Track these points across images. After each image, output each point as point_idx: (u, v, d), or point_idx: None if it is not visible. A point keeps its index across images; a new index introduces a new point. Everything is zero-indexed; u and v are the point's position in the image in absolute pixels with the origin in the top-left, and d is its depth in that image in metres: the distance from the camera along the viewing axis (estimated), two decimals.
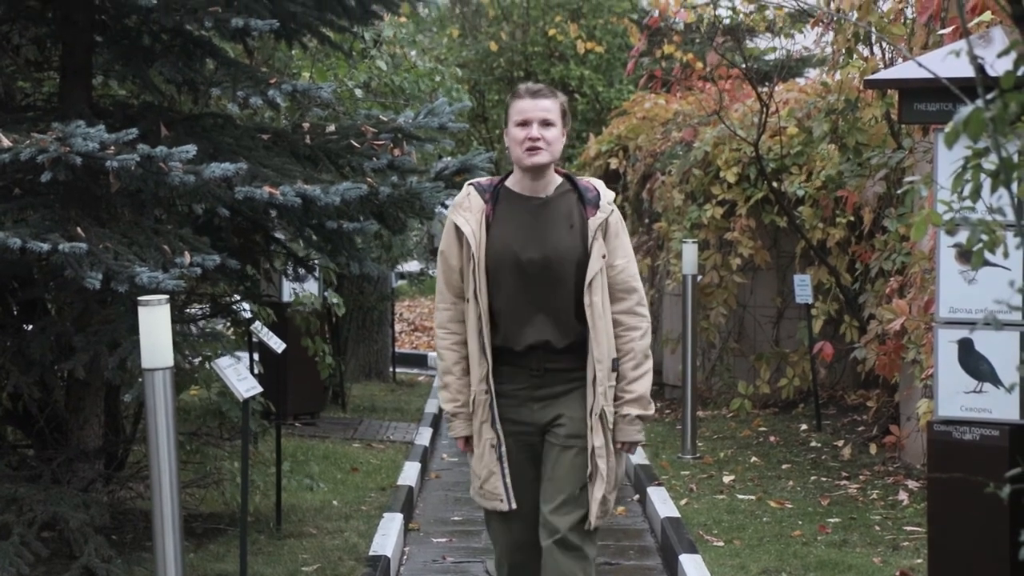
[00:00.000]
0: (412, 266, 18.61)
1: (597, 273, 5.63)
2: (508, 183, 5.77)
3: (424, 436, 12.97)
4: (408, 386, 17.42)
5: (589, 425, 5.65)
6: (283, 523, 9.21)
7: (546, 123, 5.63)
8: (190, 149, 7.12)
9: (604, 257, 5.65)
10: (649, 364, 5.76)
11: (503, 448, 5.70)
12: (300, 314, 12.68)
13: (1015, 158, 3.63)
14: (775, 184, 13.55)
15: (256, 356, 11.64)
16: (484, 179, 5.86)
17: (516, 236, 5.67)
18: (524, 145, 5.61)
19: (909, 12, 10.01)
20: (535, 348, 5.67)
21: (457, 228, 5.71)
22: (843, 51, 11.10)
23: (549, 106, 5.66)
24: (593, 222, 5.66)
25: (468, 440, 5.83)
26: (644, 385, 5.72)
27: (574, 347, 5.68)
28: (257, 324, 9.85)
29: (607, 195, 5.76)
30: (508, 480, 5.71)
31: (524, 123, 5.63)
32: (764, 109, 13.21)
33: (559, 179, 5.76)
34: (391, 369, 17.90)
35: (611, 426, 5.68)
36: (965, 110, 3.42)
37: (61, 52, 8.41)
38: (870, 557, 8.43)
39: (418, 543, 9.36)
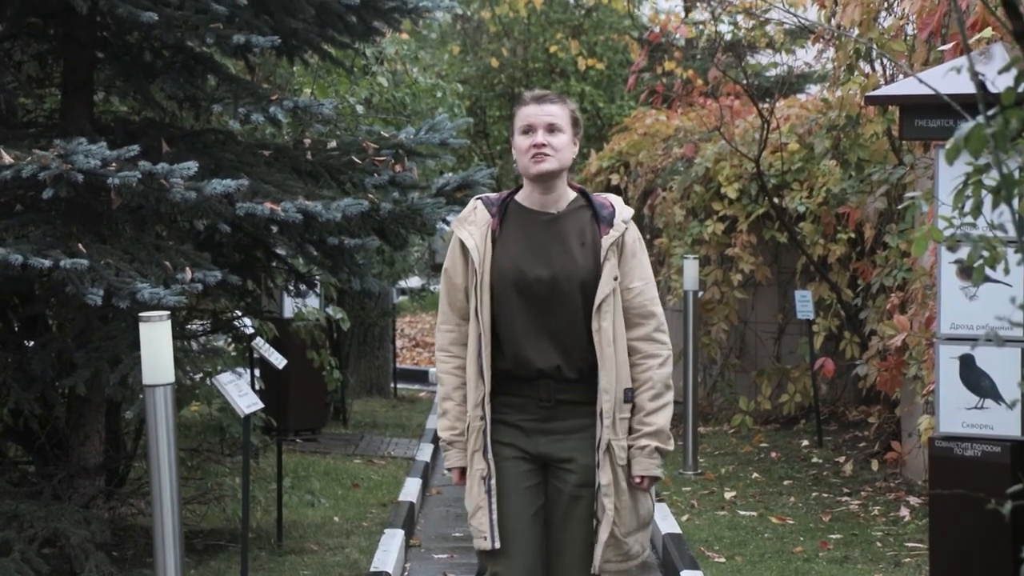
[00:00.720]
0: (413, 282, 18.61)
1: (608, 296, 5.20)
2: (518, 197, 5.39)
3: (425, 452, 12.97)
4: (409, 402, 17.41)
5: (596, 460, 5.22)
6: (284, 539, 9.20)
7: (553, 128, 5.24)
8: (191, 166, 7.13)
9: (616, 279, 5.22)
10: (670, 396, 5.31)
11: (493, 481, 5.26)
12: (304, 328, 12.69)
13: (1016, 174, 3.63)
14: (776, 200, 13.55)
15: (257, 372, 11.65)
16: (494, 194, 5.47)
17: (523, 253, 5.28)
18: (529, 153, 5.23)
19: (910, 29, 10.02)
20: (544, 376, 5.23)
21: (461, 243, 5.33)
22: (844, 67, 11.10)
23: (556, 111, 5.27)
24: (606, 240, 5.24)
25: (464, 472, 5.39)
26: (663, 418, 5.28)
27: (587, 376, 5.24)
28: (258, 340, 9.86)
29: (624, 212, 5.34)
30: (494, 516, 5.26)
31: (529, 129, 5.26)
32: (765, 125, 13.22)
33: (573, 194, 5.37)
34: (392, 385, 17.89)
35: (622, 461, 5.23)
36: (966, 126, 3.42)
37: (63, 68, 8.42)
38: (872, 573, 8.42)
39: (419, 559, 9.35)
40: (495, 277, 5.27)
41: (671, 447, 5.33)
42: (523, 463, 5.31)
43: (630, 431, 5.26)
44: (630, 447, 5.25)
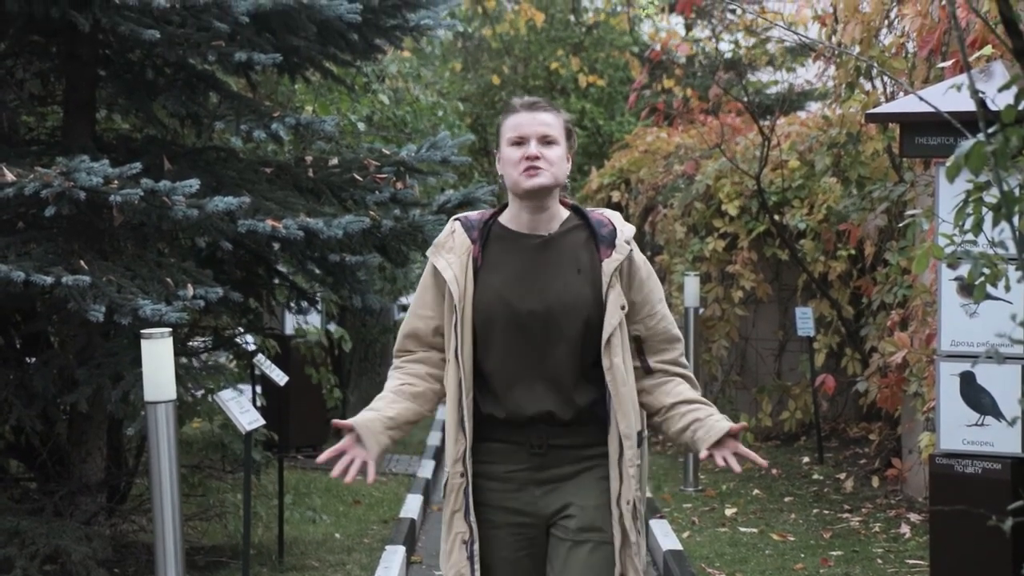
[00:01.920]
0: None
1: (616, 328, 4.53)
2: (502, 218, 4.67)
3: (426, 468, 12.97)
4: None
5: (615, 515, 4.52)
6: (285, 556, 9.20)
7: (547, 140, 4.55)
8: (193, 183, 7.15)
9: (623, 308, 4.55)
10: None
11: (476, 546, 4.54)
12: (305, 344, 12.70)
13: (1016, 192, 3.65)
14: (777, 217, 13.57)
15: (259, 389, 11.65)
16: (474, 213, 4.75)
17: (511, 283, 4.56)
18: (520, 166, 4.51)
19: (910, 46, 10.04)
20: (535, 420, 4.54)
21: (436, 272, 4.63)
22: (845, 85, 11.12)
23: (550, 120, 4.58)
24: (608, 265, 4.56)
25: (352, 431, 4.63)
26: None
27: (583, 419, 4.56)
28: (260, 356, 9.87)
29: (625, 231, 4.65)
30: None
31: (520, 141, 4.55)
32: (766, 142, 13.23)
33: (565, 212, 4.66)
34: None
35: (640, 519, 4.58)
36: (966, 144, 3.44)
37: (65, 86, 8.44)
38: None
39: None
40: (479, 314, 4.56)
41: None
42: (513, 530, 4.61)
43: (683, 432, 4.62)
44: (693, 422, 4.59)
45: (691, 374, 4.76)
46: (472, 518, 4.55)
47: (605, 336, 4.52)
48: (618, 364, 4.53)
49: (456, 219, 4.68)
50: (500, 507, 4.58)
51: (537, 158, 4.51)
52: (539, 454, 4.57)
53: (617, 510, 4.51)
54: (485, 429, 4.59)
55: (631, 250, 4.61)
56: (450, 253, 4.62)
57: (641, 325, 4.64)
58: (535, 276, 4.57)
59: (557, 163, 4.55)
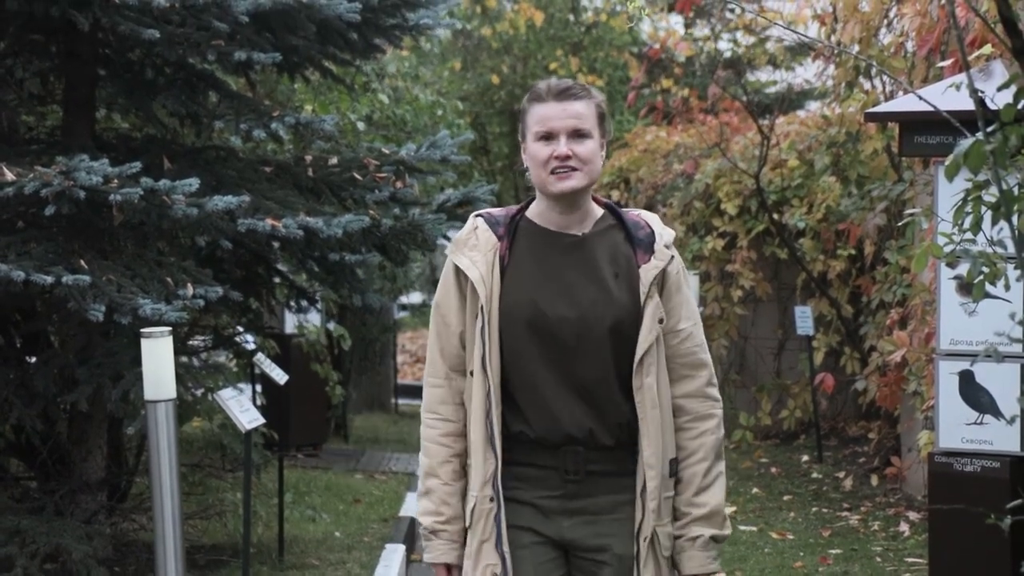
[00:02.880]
0: (415, 297, 18.65)
1: (652, 344, 4.07)
2: (530, 214, 4.21)
3: None
4: (410, 417, 17.41)
5: (634, 551, 4.09)
6: (285, 554, 9.20)
7: (579, 134, 4.06)
8: (193, 182, 7.15)
9: (661, 322, 4.10)
10: (722, 466, 4.19)
11: None
12: (306, 341, 12.72)
13: (1015, 191, 3.66)
14: (776, 216, 13.58)
15: (259, 388, 11.66)
16: (498, 209, 4.30)
17: (541, 286, 4.10)
18: (549, 166, 4.05)
19: (910, 45, 10.04)
20: (574, 442, 4.06)
21: (459, 272, 4.16)
22: (844, 84, 11.14)
23: (582, 111, 4.08)
24: (647, 272, 4.10)
25: (451, 570, 4.18)
26: (718, 495, 4.16)
27: (624, 442, 4.10)
28: (259, 355, 9.88)
29: (665, 235, 4.19)
30: None
31: (548, 136, 4.07)
32: (765, 141, 13.24)
33: (599, 211, 4.22)
34: (394, 400, 17.91)
35: (667, 552, 4.12)
36: (965, 143, 3.44)
37: (64, 86, 8.44)
38: None
39: (420, 575, 9.35)
40: (506, 317, 4.10)
41: (728, 532, 4.20)
42: (544, 549, 4.14)
43: (675, 515, 4.15)
44: (678, 537, 4.13)
45: (714, 409, 4.20)
46: (505, 548, 4.07)
47: (639, 354, 4.07)
48: (650, 384, 4.07)
49: (478, 215, 4.23)
50: (525, 528, 4.12)
51: (568, 157, 4.05)
52: (574, 481, 4.09)
53: (635, 545, 4.09)
54: (511, 452, 4.11)
55: (672, 257, 4.15)
56: (474, 251, 4.14)
57: (663, 345, 4.15)
58: (567, 279, 4.12)
59: (591, 160, 4.08)
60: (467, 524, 4.13)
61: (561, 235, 4.15)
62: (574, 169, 4.05)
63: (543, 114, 4.08)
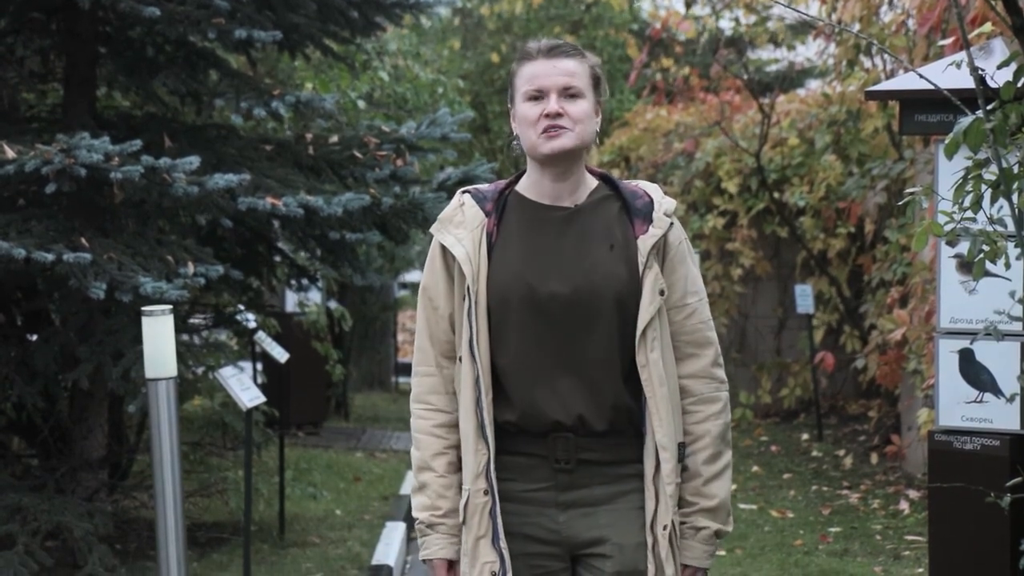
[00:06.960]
0: (414, 276, 18.64)
1: (654, 317, 3.76)
2: (520, 187, 3.90)
3: None
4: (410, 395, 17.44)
5: (649, 544, 3.77)
6: (286, 532, 9.23)
7: (570, 92, 3.79)
8: (193, 160, 7.16)
9: (662, 293, 3.79)
10: (729, 455, 3.89)
11: None
12: (306, 320, 12.73)
13: (1015, 169, 3.66)
14: (776, 195, 13.58)
15: (259, 366, 11.67)
16: (485, 184, 3.99)
17: (532, 261, 3.80)
18: (539, 126, 3.77)
19: (910, 24, 10.04)
20: (562, 428, 3.76)
21: (445, 251, 3.86)
22: (845, 63, 11.13)
23: (573, 68, 3.81)
24: (645, 242, 3.81)
25: (452, 566, 3.88)
26: (724, 487, 3.87)
27: (620, 427, 3.79)
28: (260, 334, 9.89)
29: (665, 203, 3.89)
30: None
31: (537, 95, 3.79)
32: (766, 120, 13.24)
33: (594, 181, 3.93)
34: (394, 379, 17.93)
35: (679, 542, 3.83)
36: (965, 121, 3.45)
37: (65, 64, 8.44)
38: (871, 566, 8.44)
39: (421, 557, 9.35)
40: (495, 296, 3.79)
41: (731, 529, 3.91)
42: (538, 560, 3.83)
43: (681, 502, 3.84)
44: (681, 523, 3.84)
45: (720, 391, 3.90)
46: (502, 543, 3.75)
47: (641, 326, 3.75)
48: (655, 360, 3.75)
49: (465, 191, 3.93)
50: (516, 535, 3.79)
51: (559, 115, 3.76)
52: (565, 471, 3.78)
53: (651, 537, 3.76)
54: (501, 439, 3.81)
55: (671, 225, 3.87)
56: (459, 228, 3.84)
57: (666, 318, 3.85)
58: (559, 253, 3.81)
59: (583, 120, 3.79)
60: (461, 520, 3.82)
61: (552, 208, 3.85)
62: (565, 128, 3.76)
63: (533, 72, 3.81)
